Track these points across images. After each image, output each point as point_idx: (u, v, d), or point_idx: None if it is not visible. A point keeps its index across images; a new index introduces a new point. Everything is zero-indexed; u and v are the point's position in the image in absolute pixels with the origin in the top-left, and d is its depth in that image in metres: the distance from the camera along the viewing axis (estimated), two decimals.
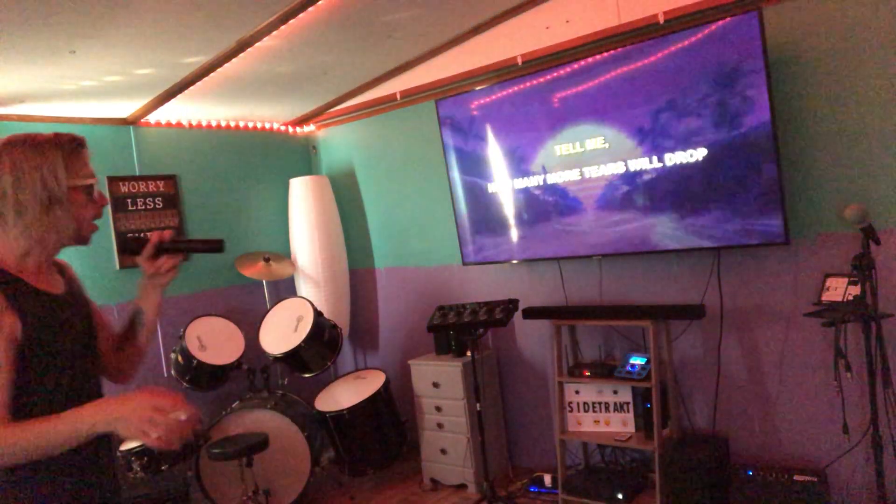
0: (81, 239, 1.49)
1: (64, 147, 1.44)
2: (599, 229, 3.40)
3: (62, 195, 1.41)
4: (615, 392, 3.40)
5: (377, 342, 4.80)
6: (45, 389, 1.39)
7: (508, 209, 3.74)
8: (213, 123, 4.47)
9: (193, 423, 1.30)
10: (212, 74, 3.42)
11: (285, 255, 4.67)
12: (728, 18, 2.86)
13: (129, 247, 1.62)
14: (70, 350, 1.45)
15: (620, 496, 3.24)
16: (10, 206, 1.39)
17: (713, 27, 2.90)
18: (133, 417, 1.26)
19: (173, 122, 4.26)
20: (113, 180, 3.96)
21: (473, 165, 3.83)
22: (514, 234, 3.75)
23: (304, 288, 4.62)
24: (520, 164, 3.63)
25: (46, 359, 1.39)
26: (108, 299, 3.88)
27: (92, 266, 3.83)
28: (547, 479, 3.67)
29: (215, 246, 1.61)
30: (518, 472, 4.01)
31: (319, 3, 2.86)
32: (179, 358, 3.81)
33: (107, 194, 3.93)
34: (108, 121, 3.98)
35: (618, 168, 3.29)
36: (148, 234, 1.62)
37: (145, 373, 3.95)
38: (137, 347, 1.68)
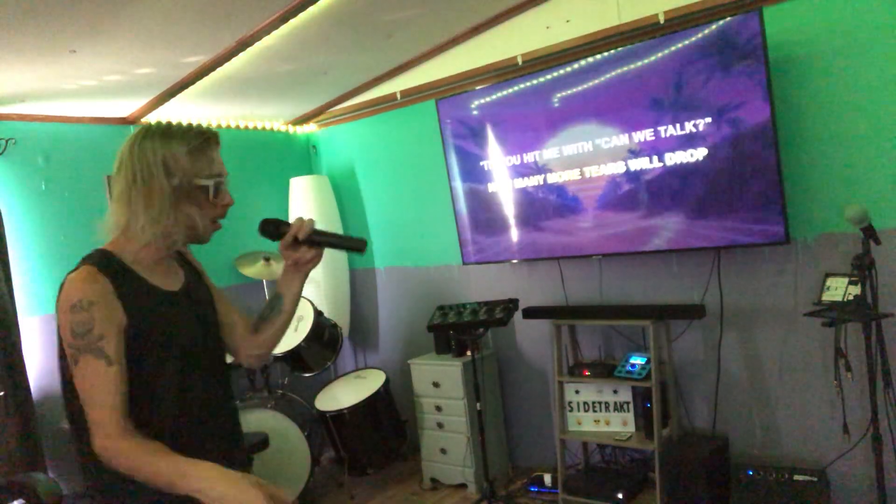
0: (200, 238, 1.45)
1: (190, 141, 1.40)
2: (599, 229, 3.40)
3: (190, 190, 1.38)
4: (615, 392, 3.40)
5: (377, 342, 4.80)
6: (157, 385, 1.37)
7: (508, 209, 3.74)
8: (213, 123, 4.47)
9: None
10: (212, 74, 3.42)
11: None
12: (728, 18, 2.86)
13: (268, 230, 1.54)
14: (181, 346, 1.41)
15: (620, 496, 3.24)
16: (141, 198, 1.36)
17: (713, 27, 2.90)
18: (233, 502, 1.21)
19: (173, 121, 4.25)
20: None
21: (473, 165, 3.83)
22: (514, 233, 3.75)
23: (304, 288, 4.61)
24: (520, 164, 3.63)
25: (155, 353, 1.37)
26: None
27: None
28: (547, 478, 3.67)
29: (357, 246, 1.54)
30: (518, 472, 4.01)
31: (320, 2, 2.86)
32: None
33: (107, 195, 3.94)
34: (108, 120, 3.98)
35: (618, 168, 3.29)
36: (290, 221, 1.54)
37: None
38: (272, 333, 1.64)
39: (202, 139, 1.41)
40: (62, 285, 1.36)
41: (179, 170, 1.37)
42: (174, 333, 1.41)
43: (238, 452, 1.52)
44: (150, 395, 1.37)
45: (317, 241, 1.52)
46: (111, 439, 1.28)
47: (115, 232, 1.41)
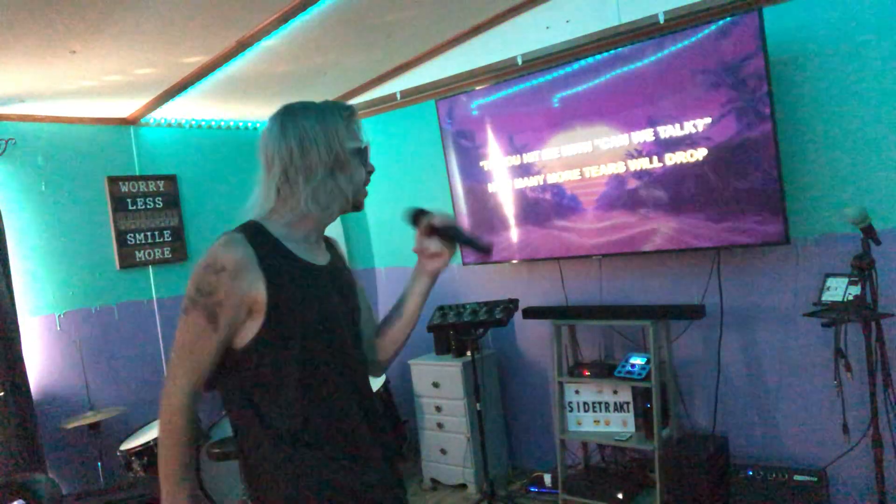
0: (357, 204, 1.48)
1: (343, 113, 1.44)
2: (599, 229, 3.40)
3: (345, 159, 1.41)
4: (615, 392, 3.40)
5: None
6: (294, 358, 1.35)
7: (508, 209, 3.74)
8: (213, 123, 4.47)
9: None
10: (212, 74, 3.42)
11: None
12: (728, 18, 2.86)
13: (411, 216, 1.56)
14: (322, 322, 1.39)
15: (620, 496, 3.24)
16: (301, 171, 1.38)
17: (713, 27, 2.90)
18: None
19: (173, 122, 4.26)
20: (113, 180, 3.96)
21: (473, 165, 3.83)
22: (514, 233, 3.75)
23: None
24: (520, 164, 3.63)
25: (294, 327, 1.35)
26: (108, 299, 3.89)
27: (92, 266, 3.83)
28: (547, 479, 3.67)
29: (485, 248, 1.52)
30: (518, 472, 4.01)
31: (319, 3, 2.86)
32: None
33: (107, 195, 3.94)
34: (108, 120, 3.98)
35: (618, 168, 3.29)
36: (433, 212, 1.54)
37: (145, 373, 3.95)
38: (391, 339, 1.58)
39: (351, 110, 1.46)
40: (210, 247, 1.36)
41: (336, 141, 1.40)
42: (320, 303, 1.39)
43: (379, 435, 1.48)
44: (288, 362, 1.35)
45: (449, 233, 1.51)
46: (173, 397, 1.33)
47: (266, 207, 1.42)
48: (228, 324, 1.32)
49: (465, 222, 3.95)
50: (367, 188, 1.49)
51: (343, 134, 1.41)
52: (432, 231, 1.51)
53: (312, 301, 1.38)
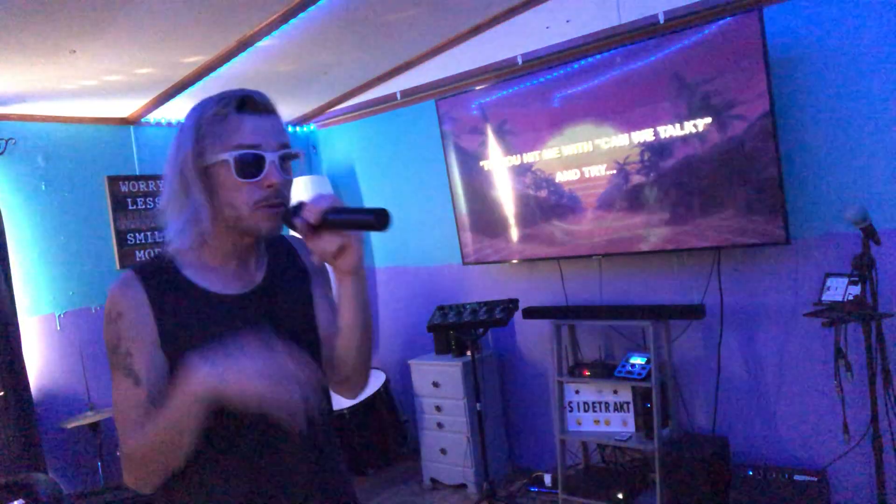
0: (250, 229, 1.15)
1: (208, 109, 1.15)
2: (599, 229, 3.40)
3: (191, 173, 1.13)
4: (615, 392, 3.40)
5: (377, 342, 4.80)
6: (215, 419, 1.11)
7: (508, 209, 3.74)
8: None
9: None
10: (212, 74, 3.42)
11: None
12: (728, 18, 2.86)
13: (287, 218, 1.17)
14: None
15: (620, 496, 3.24)
16: (170, 189, 1.16)
17: (713, 27, 2.90)
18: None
19: (173, 121, 4.26)
20: (113, 180, 3.96)
21: (473, 165, 3.83)
22: (514, 233, 3.75)
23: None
24: (520, 164, 3.63)
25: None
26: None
27: (92, 266, 3.83)
28: (547, 479, 3.67)
29: (373, 220, 1.12)
30: (518, 472, 4.01)
31: (320, 2, 2.86)
32: None
33: (107, 195, 3.94)
34: (108, 120, 3.98)
35: (618, 168, 3.29)
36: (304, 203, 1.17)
37: None
38: (340, 356, 1.27)
39: (223, 104, 1.14)
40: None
41: (184, 148, 1.14)
42: (211, 338, 1.10)
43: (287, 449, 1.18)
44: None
45: (335, 222, 1.14)
46: (126, 448, 1.11)
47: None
48: (152, 369, 1.12)
49: (464, 222, 3.94)
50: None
51: (192, 136, 1.13)
52: (315, 228, 1.15)
53: (203, 335, 1.12)
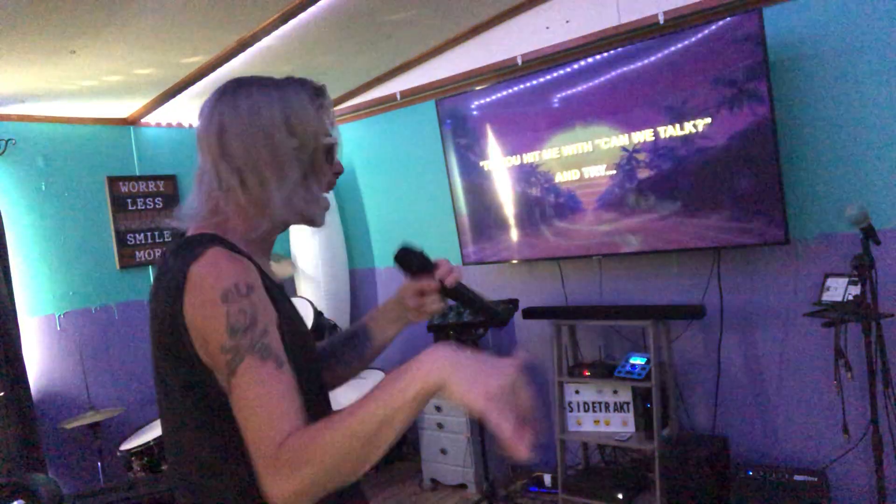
0: (312, 218, 1.14)
1: (312, 94, 1.11)
2: (599, 229, 3.40)
3: (318, 156, 1.11)
4: (615, 392, 3.40)
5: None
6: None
7: (508, 209, 3.74)
8: None
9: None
10: (212, 74, 3.42)
11: (285, 255, 4.67)
12: (728, 18, 2.86)
13: (409, 263, 1.23)
14: (310, 350, 1.16)
15: (620, 496, 3.24)
16: (270, 169, 1.06)
17: (713, 27, 2.90)
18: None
19: (173, 122, 4.26)
20: (113, 180, 3.96)
21: (473, 165, 3.83)
22: (514, 233, 3.75)
23: (304, 288, 4.62)
24: (520, 164, 3.63)
25: (296, 356, 1.02)
26: (108, 299, 3.89)
27: (92, 266, 3.83)
28: (547, 479, 3.67)
29: (500, 316, 1.28)
30: (518, 472, 4.01)
31: (320, 2, 2.86)
32: None
33: (107, 195, 3.94)
34: (108, 121, 3.98)
35: (618, 168, 3.29)
36: (436, 260, 1.25)
37: (145, 373, 3.95)
38: (340, 375, 1.31)
39: (323, 91, 1.13)
40: (186, 279, 0.96)
41: (304, 127, 1.08)
42: (304, 328, 1.13)
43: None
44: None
45: (460, 295, 1.22)
46: (281, 476, 0.88)
47: (215, 215, 1.08)
48: (285, 352, 0.97)
49: (464, 222, 3.94)
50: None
51: (314, 119, 1.09)
52: (438, 289, 1.23)
53: (300, 325, 1.13)
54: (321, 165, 1.12)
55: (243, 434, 0.92)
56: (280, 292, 1.12)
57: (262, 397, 0.91)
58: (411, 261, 1.24)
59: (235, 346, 0.93)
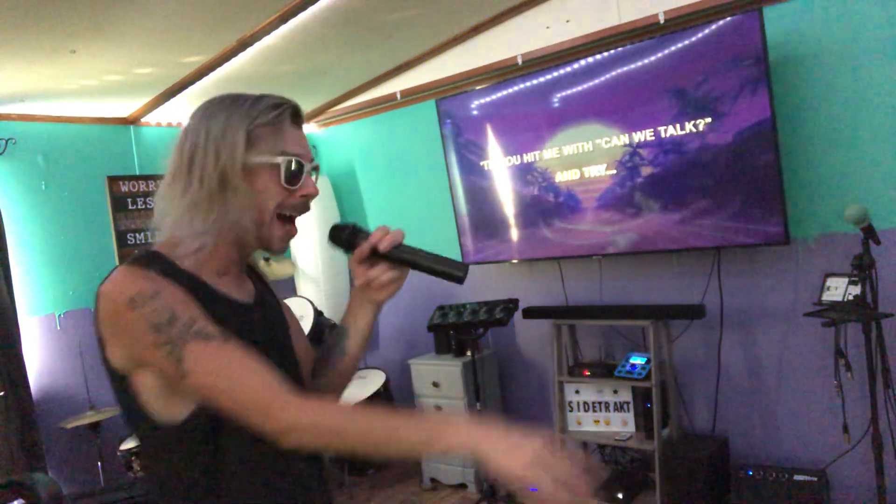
0: (265, 241, 1.12)
1: (258, 110, 1.08)
2: (599, 229, 3.40)
3: (233, 175, 1.06)
4: (615, 392, 3.40)
5: (377, 342, 4.80)
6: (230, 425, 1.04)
7: (508, 209, 3.74)
8: None
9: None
10: (212, 74, 3.42)
11: (285, 254, 4.67)
12: (728, 18, 2.86)
13: (340, 237, 1.18)
14: None
15: (620, 496, 3.24)
16: (181, 182, 1.08)
17: (713, 27, 2.90)
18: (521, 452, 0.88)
19: (173, 121, 4.26)
20: (113, 180, 3.96)
21: (473, 165, 3.83)
22: (514, 233, 3.75)
23: (304, 287, 4.62)
24: (520, 164, 3.63)
25: None
26: None
27: (92, 266, 3.82)
28: None
29: (455, 272, 1.13)
30: None
31: (320, 2, 2.86)
32: None
33: (107, 194, 3.94)
34: (108, 120, 3.98)
35: (618, 168, 3.29)
36: (370, 229, 1.19)
37: None
38: (331, 380, 1.26)
39: (281, 108, 1.10)
40: (97, 300, 1.05)
41: (232, 146, 1.07)
42: (251, 344, 1.05)
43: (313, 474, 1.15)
44: (219, 431, 1.04)
45: (402, 258, 1.15)
46: (290, 406, 0.96)
47: (163, 234, 1.13)
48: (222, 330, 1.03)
49: (464, 222, 3.94)
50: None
51: (244, 137, 1.06)
52: (376, 256, 1.16)
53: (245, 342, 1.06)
54: (254, 184, 1.07)
55: (231, 406, 0.98)
56: (245, 311, 1.12)
57: (225, 369, 0.98)
58: (339, 236, 1.18)
59: (168, 339, 0.97)
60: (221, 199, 1.06)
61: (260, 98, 1.11)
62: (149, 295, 0.99)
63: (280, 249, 1.14)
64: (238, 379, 0.98)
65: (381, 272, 1.18)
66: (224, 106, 1.10)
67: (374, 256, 1.16)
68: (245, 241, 1.12)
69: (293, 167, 1.09)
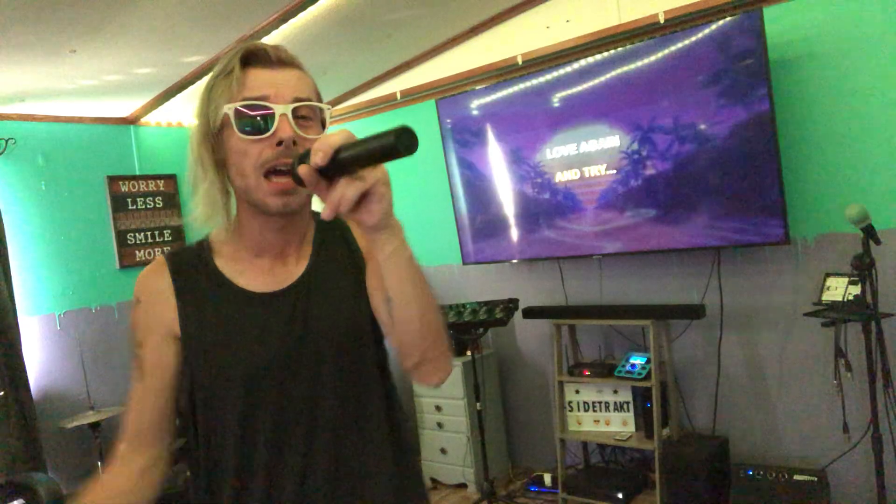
0: (258, 202, 0.98)
1: (221, 66, 1.00)
2: (599, 229, 3.40)
3: (199, 145, 1.00)
4: (615, 392, 3.40)
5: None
6: (217, 428, 1.04)
7: (508, 209, 3.74)
8: None
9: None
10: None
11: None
12: (728, 18, 2.86)
13: (294, 174, 0.88)
14: (250, 374, 1.02)
15: (620, 496, 3.24)
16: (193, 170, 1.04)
17: (713, 27, 2.90)
18: None
19: (173, 121, 4.26)
20: (113, 180, 3.96)
21: (473, 165, 3.83)
22: (514, 233, 3.75)
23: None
24: (520, 164, 3.63)
25: (214, 374, 1.03)
26: (108, 299, 3.89)
27: (92, 266, 3.83)
28: (547, 478, 3.67)
29: (392, 144, 0.79)
30: (518, 472, 4.01)
31: (320, 2, 2.86)
32: None
33: (107, 194, 3.94)
34: (108, 120, 3.98)
35: (618, 167, 3.29)
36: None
37: None
38: (397, 338, 1.00)
39: (226, 59, 1.00)
40: None
41: (205, 107, 1.00)
42: (239, 348, 1.02)
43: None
44: (210, 432, 1.06)
45: (348, 159, 0.84)
46: (115, 449, 1.10)
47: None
48: (158, 364, 1.06)
49: (464, 222, 3.94)
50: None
51: (201, 105, 1.00)
52: (327, 175, 0.86)
53: (225, 333, 1.04)
54: (234, 144, 0.97)
55: None
56: (260, 303, 1.05)
57: (129, 393, 1.10)
58: (295, 175, 0.90)
59: (130, 348, 1.11)
60: (203, 178, 1.00)
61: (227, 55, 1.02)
62: (133, 302, 1.10)
63: (282, 210, 0.98)
64: (128, 402, 1.11)
65: (342, 191, 0.83)
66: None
67: (324, 176, 0.86)
68: (260, 214, 1.02)
69: (250, 111, 0.95)
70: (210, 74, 1.01)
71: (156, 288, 1.07)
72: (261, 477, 1.03)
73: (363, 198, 0.85)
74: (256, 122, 0.95)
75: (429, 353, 1.00)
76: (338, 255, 1.12)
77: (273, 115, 0.95)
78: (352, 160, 0.84)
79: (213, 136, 0.99)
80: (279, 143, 0.95)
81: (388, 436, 1.10)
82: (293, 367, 1.03)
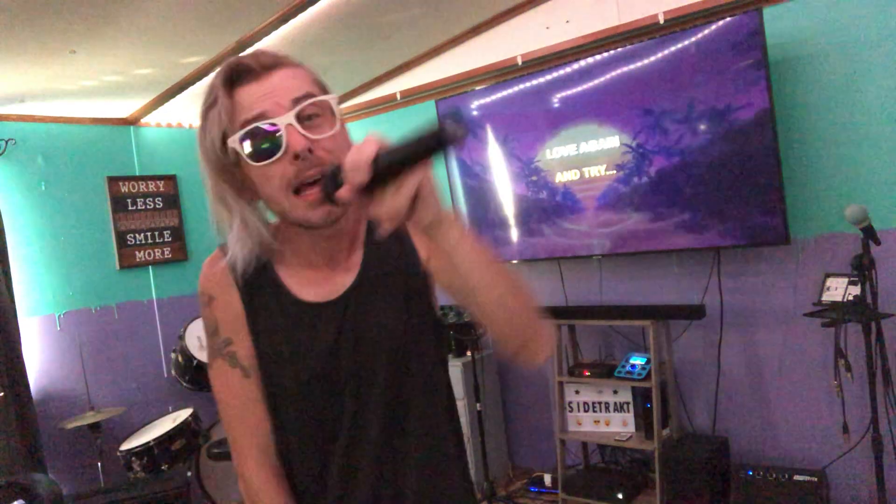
0: (294, 218, 0.95)
1: (212, 89, 0.96)
2: (599, 229, 3.40)
3: (211, 179, 0.98)
4: (615, 392, 3.40)
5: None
6: (280, 434, 1.06)
7: (508, 209, 3.74)
8: None
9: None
10: (212, 75, 3.42)
11: None
12: (728, 18, 2.86)
13: (329, 195, 0.87)
14: (306, 381, 1.02)
15: (620, 496, 3.24)
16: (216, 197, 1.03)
17: (713, 27, 2.90)
18: None
19: (173, 122, 4.26)
20: (113, 180, 3.96)
21: (473, 166, 3.83)
22: (514, 233, 3.75)
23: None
24: (519, 164, 3.63)
25: (273, 391, 1.05)
26: (108, 299, 3.88)
27: (92, 266, 3.83)
28: (547, 479, 3.67)
29: (443, 135, 0.77)
30: (518, 472, 4.01)
31: (320, 3, 2.86)
32: (179, 358, 3.80)
33: (107, 195, 3.93)
34: (108, 121, 3.98)
35: (618, 167, 3.29)
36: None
37: (145, 373, 3.95)
38: (487, 324, 0.96)
39: (210, 89, 0.96)
40: None
41: (202, 146, 0.98)
42: (302, 358, 1.01)
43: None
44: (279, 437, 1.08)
45: (389, 168, 0.80)
46: (243, 469, 1.05)
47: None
48: (253, 359, 1.04)
49: (462, 213, 3.93)
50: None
51: (200, 136, 0.97)
52: (369, 190, 0.81)
53: (288, 356, 1.02)
54: (255, 172, 0.93)
55: (226, 431, 1.09)
56: (312, 312, 1.03)
57: (227, 401, 1.06)
58: (329, 195, 0.89)
59: (210, 344, 1.07)
60: (226, 208, 0.98)
61: (210, 81, 0.98)
62: (205, 300, 1.06)
63: (327, 220, 0.94)
64: (227, 419, 1.07)
65: (391, 205, 0.80)
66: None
67: (369, 189, 0.81)
68: (307, 229, 0.98)
69: (252, 139, 0.91)
70: (201, 105, 0.98)
71: (225, 282, 1.04)
72: (333, 481, 1.05)
73: (412, 201, 0.81)
74: (265, 145, 0.91)
75: (528, 331, 0.97)
76: (391, 255, 1.07)
77: (278, 130, 0.90)
78: (395, 168, 0.79)
79: (229, 169, 0.96)
80: (296, 157, 0.90)
81: (450, 435, 1.11)
82: (343, 378, 1.03)
